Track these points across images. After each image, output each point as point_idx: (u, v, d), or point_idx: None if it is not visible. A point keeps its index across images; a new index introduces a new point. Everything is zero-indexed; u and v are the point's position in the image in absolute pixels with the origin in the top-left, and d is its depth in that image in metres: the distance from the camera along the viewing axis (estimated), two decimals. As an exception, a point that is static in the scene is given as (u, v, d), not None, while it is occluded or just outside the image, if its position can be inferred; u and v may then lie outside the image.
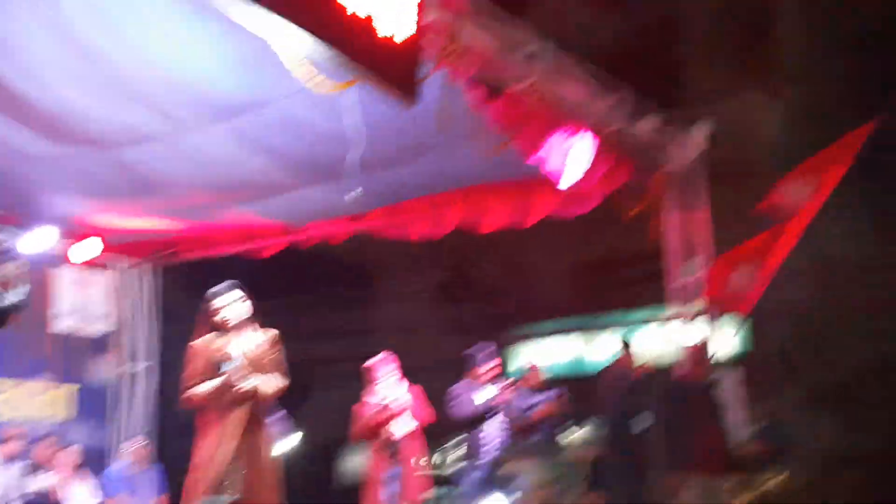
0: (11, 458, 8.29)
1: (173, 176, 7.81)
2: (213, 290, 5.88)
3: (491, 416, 7.94)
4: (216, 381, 5.57)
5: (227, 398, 5.58)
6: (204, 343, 5.73)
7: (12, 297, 3.96)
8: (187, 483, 5.59)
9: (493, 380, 8.09)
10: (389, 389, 7.90)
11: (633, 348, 8.60)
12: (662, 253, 8.59)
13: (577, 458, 8.16)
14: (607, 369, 8.53)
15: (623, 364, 8.38)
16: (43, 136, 6.92)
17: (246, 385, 5.60)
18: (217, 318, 5.77)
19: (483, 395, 7.95)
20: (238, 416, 5.59)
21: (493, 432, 7.92)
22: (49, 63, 5.88)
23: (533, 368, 8.75)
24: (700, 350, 7.68)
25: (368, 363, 8.11)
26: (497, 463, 7.88)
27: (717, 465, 6.97)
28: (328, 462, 16.40)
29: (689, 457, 7.09)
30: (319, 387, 16.67)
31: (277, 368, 5.87)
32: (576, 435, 8.54)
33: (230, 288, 5.90)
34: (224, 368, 5.57)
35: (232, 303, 5.82)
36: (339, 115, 6.21)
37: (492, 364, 8.16)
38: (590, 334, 15.58)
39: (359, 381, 8.13)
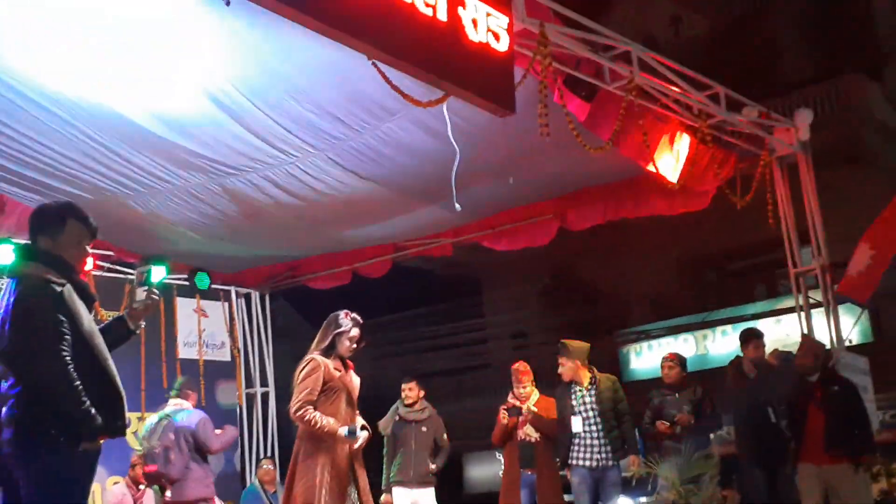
0: (139, 484, 8.51)
1: (280, 202, 8.01)
2: (356, 316, 5.84)
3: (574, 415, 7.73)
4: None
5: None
6: (325, 363, 5.66)
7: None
8: None
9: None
10: (525, 395, 7.94)
11: (764, 340, 8.30)
12: (774, 244, 8.42)
13: (710, 455, 7.88)
14: (734, 363, 8.27)
15: (751, 356, 8.11)
16: (162, 164, 7.23)
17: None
18: (347, 343, 5.80)
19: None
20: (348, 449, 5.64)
21: (579, 431, 7.70)
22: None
23: (670, 359, 8.27)
24: (815, 341, 7.46)
25: (513, 366, 8.12)
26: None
27: (831, 454, 6.73)
28: (453, 471, 16.44)
29: (804, 446, 6.92)
30: (435, 398, 16.81)
31: None
32: (714, 433, 8.25)
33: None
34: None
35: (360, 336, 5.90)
36: (438, 137, 6.30)
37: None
38: (705, 331, 15.25)
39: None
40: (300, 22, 4.45)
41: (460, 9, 4.95)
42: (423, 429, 8.62)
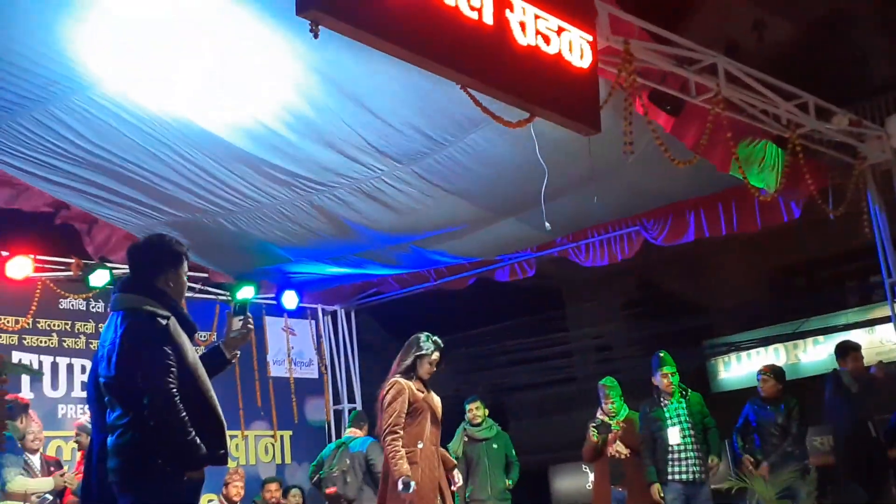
0: (232, 501, 8.71)
1: (366, 218, 8.09)
2: (437, 339, 6.03)
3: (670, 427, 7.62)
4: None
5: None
6: (408, 385, 5.88)
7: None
8: None
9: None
10: (613, 410, 7.92)
11: (861, 352, 8.09)
12: (865, 251, 8.21)
13: (807, 467, 7.72)
14: (833, 376, 8.07)
15: (850, 368, 7.91)
16: (251, 183, 7.36)
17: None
18: (428, 366, 5.95)
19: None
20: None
21: (677, 442, 7.58)
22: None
23: (764, 372, 8.06)
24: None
25: (601, 382, 8.11)
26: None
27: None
28: (539, 484, 16.38)
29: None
30: (519, 412, 16.76)
31: None
32: (809, 444, 8.08)
33: None
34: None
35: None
36: (523, 148, 6.30)
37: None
38: (796, 340, 14.89)
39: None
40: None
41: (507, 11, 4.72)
42: (494, 446, 8.71)
